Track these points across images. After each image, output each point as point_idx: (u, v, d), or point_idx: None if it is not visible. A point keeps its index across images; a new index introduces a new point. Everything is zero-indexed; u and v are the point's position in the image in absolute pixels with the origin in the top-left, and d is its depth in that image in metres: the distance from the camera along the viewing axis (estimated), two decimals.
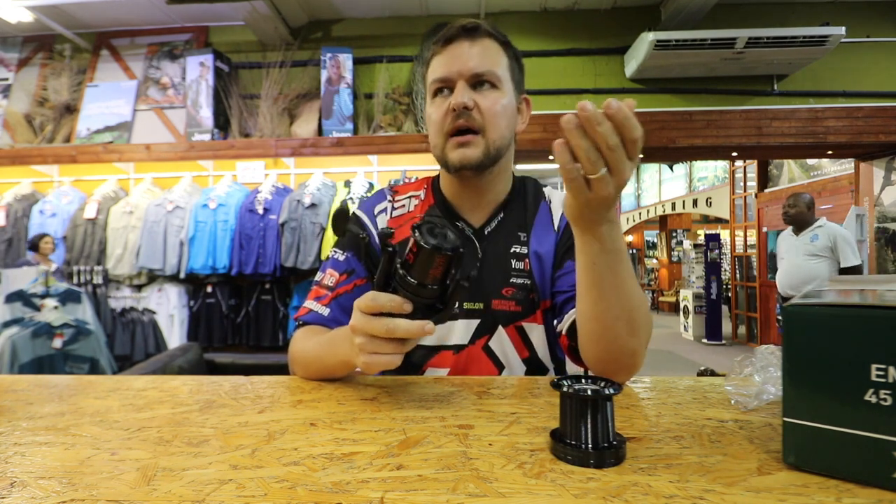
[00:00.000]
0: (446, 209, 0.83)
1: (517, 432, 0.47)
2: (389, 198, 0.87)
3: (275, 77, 3.72)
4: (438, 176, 0.88)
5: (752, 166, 6.56)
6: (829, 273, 3.28)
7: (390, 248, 0.53)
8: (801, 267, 3.43)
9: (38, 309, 2.43)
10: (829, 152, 4.44)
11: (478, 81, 0.74)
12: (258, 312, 3.52)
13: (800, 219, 3.46)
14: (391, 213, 0.86)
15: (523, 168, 6.67)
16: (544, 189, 0.88)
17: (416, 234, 0.50)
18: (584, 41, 3.84)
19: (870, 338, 0.34)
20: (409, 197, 0.87)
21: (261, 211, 3.38)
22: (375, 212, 0.86)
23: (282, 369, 0.78)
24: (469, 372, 0.77)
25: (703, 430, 0.47)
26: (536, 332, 0.78)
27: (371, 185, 3.51)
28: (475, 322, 0.77)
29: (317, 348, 0.67)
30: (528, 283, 0.78)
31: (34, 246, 3.29)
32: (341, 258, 0.82)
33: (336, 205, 3.37)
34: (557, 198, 0.86)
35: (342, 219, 0.79)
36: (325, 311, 0.77)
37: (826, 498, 0.34)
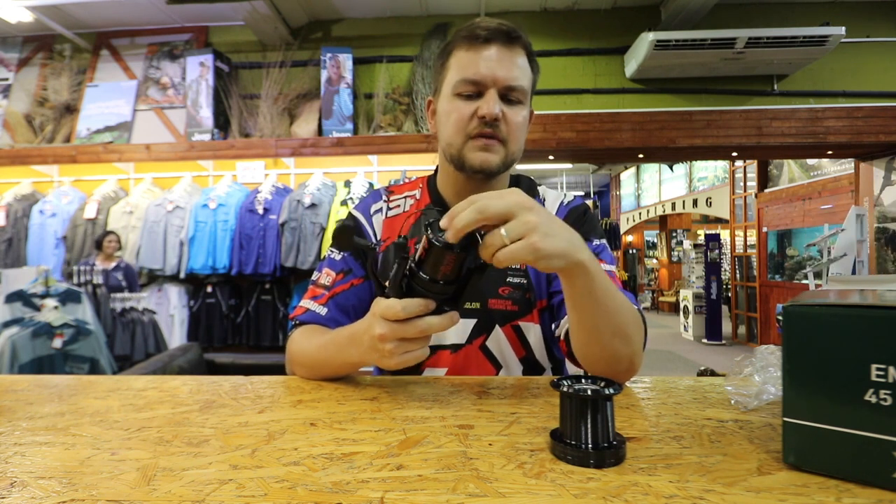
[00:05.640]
0: (443, 208, 0.83)
1: (517, 432, 0.47)
2: (385, 198, 0.88)
3: (275, 77, 3.72)
4: (433, 175, 0.88)
5: (752, 166, 6.56)
6: None
7: (405, 256, 0.54)
8: None
9: (38, 309, 2.43)
10: (829, 152, 4.43)
11: (508, 93, 0.73)
12: (258, 312, 3.52)
13: None
14: (387, 214, 0.86)
15: (523, 168, 6.66)
16: (539, 188, 0.87)
17: (441, 243, 0.50)
18: (584, 41, 3.83)
19: (870, 338, 0.34)
20: (405, 197, 0.87)
21: (261, 211, 3.38)
22: (371, 211, 0.86)
23: (282, 369, 0.78)
24: (467, 371, 0.77)
25: (703, 430, 0.47)
26: (533, 332, 0.78)
27: (371, 185, 3.51)
28: (472, 321, 0.77)
29: (321, 351, 0.67)
30: (525, 282, 0.78)
31: (98, 245, 3.29)
32: (338, 257, 0.82)
33: (336, 205, 3.38)
34: (552, 196, 0.86)
35: (344, 235, 0.78)
36: (323, 311, 0.77)
37: (826, 498, 0.34)
